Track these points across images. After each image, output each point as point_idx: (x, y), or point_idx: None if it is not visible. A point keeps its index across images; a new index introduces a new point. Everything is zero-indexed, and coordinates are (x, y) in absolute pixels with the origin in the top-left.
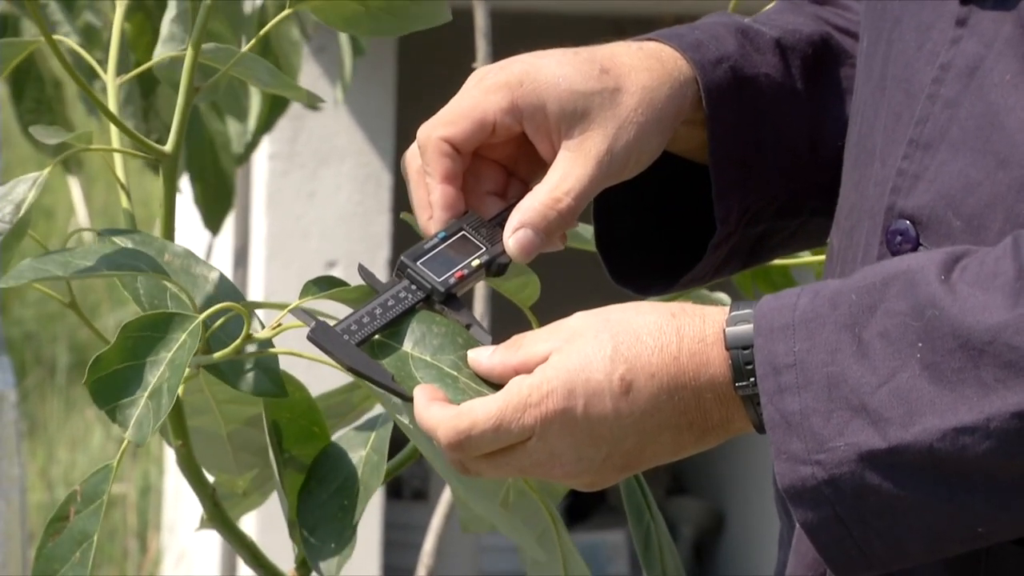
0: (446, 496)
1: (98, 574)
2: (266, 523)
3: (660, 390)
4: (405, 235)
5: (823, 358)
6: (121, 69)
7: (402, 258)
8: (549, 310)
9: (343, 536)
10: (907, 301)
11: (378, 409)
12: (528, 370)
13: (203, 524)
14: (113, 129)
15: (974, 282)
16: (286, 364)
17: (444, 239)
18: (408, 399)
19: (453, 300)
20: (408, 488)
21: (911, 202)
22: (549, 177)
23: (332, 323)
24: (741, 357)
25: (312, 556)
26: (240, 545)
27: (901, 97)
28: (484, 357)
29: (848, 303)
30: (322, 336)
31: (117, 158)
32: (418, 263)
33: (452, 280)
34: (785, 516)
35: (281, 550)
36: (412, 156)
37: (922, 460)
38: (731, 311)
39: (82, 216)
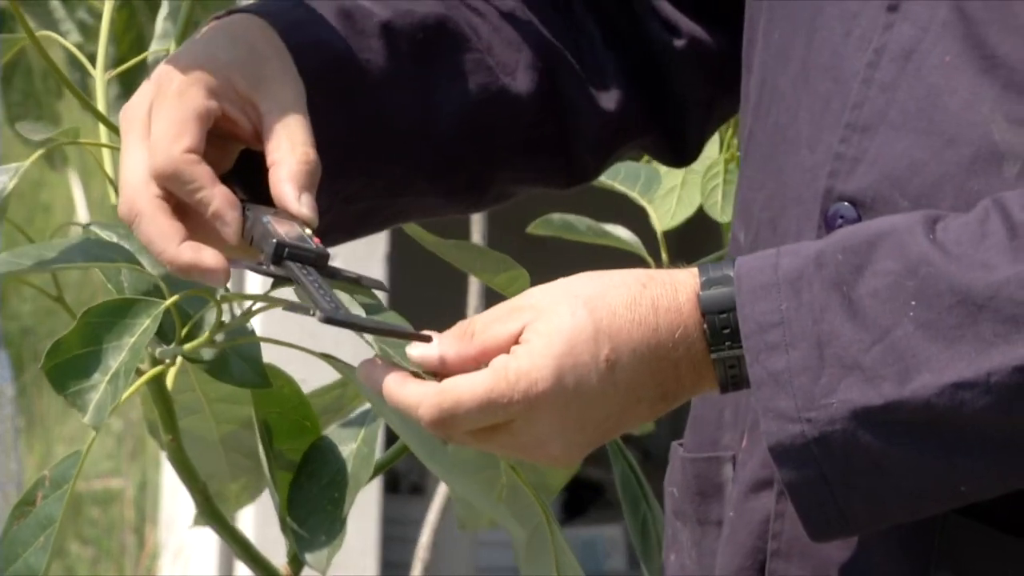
0: (442, 491)
1: (97, 570)
2: (263, 518)
3: (642, 364)
4: (403, 232)
5: (812, 316)
6: (109, 64)
7: (275, 241)
8: None
9: (333, 529)
10: (898, 260)
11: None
12: (491, 356)
13: (196, 521)
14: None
15: (965, 241)
16: (278, 360)
17: (269, 222)
18: (426, 339)
19: (331, 267)
20: (405, 482)
21: (851, 185)
22: (278, 141)
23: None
24: (718, 321)
25: (302, 549)
26: (232, 539)
27: (829, 84)
28: (434, 352)
29: (835, 263)
30: (336, 314)
31: (106, 153)
32: (291, 240)
33: (320, 247)
34: (692, 513)
35: (278, 545)
36: (138, 191)
37: (917, 417)
38: (702, 275)
39: (81, 210)
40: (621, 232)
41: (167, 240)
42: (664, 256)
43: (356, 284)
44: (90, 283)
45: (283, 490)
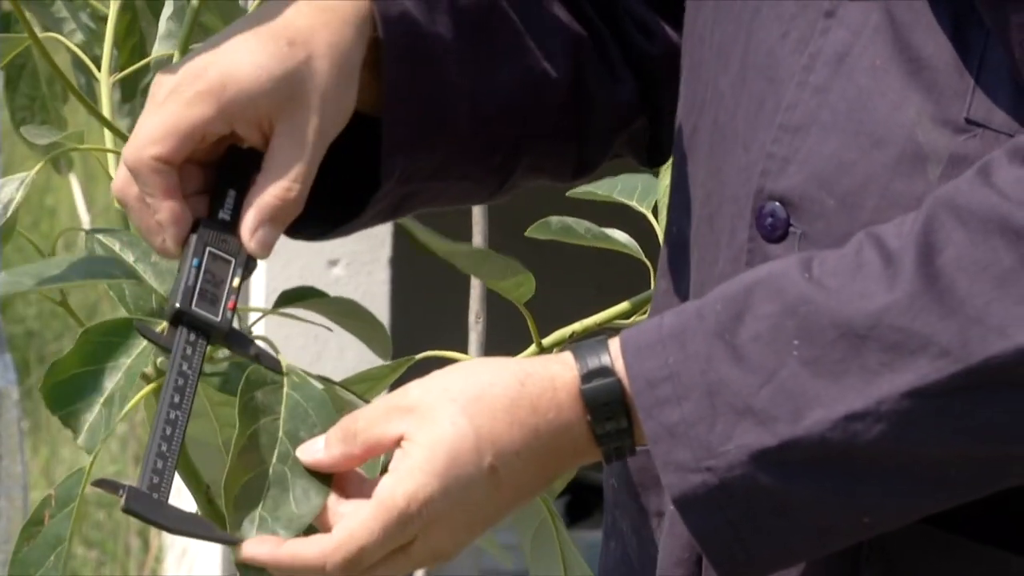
0: None
1: (101, 573)
2: None
3: (527, 464)
4: (406, 235)
5: (699, 367)
6: (113, 68)
7: (176, 307)
8: (543, 307)
9: None
10: (775, 303)
11: None
12: (376, 454)
13: None
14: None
15: (841, 274)
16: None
17: (199, 267)
18: (236, 543)
19: (235, 335)
20: None
21: (781, 184)
22: (272, 167)
23: (134, 481)
24: (601, 412)
25: None
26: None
27: (764, 85)
28: (321, 453)
29: (714, 313)
30: (137, 503)
31: (111, 158)
32: (193, 307)
33: (229, 314)
34: (632, 504)
35: None
36: (126, 183)
37: (814, 453)
38: (579, 366)
39: (84, 216)
40: (620, 236)
41: (151, 233)
42: None
43: (255, 360)
44: (94, 287)
45: None
